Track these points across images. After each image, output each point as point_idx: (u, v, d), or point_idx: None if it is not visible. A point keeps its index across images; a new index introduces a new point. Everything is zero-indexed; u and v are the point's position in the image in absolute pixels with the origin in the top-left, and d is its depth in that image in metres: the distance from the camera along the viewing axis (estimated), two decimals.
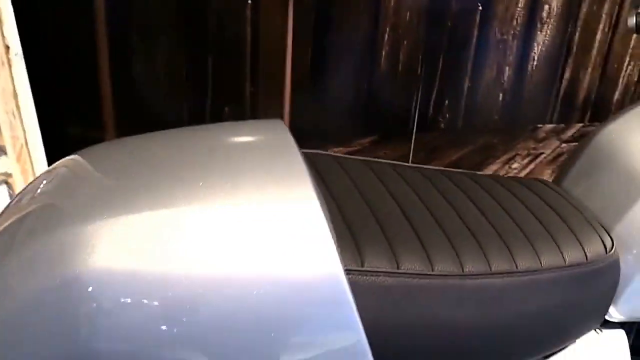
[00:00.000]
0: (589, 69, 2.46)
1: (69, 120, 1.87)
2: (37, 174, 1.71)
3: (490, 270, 0.63)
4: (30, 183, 0.65)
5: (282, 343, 0.52)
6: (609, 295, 0.76)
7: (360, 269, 0.56)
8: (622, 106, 2.64)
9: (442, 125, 2.30)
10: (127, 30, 1.82)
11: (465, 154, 2.26)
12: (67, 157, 0.66)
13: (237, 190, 0.53)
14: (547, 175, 2.22)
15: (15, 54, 1.58)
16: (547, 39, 2.34)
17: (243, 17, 1.88)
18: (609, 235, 0.76)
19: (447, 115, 2.29)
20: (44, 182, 0.62)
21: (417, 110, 2.17)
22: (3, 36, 1.55)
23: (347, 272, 0.53)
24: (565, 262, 0.69)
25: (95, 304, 0.49)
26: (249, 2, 1.87)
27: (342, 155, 0.78)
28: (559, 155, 2.55)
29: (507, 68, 2.31)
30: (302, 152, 0.59)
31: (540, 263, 0.67)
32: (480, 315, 0.63)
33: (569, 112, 2.52)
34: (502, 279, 0.64)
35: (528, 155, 2.40)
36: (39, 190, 0.60)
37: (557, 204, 0.78)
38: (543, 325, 0.70)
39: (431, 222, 0.66)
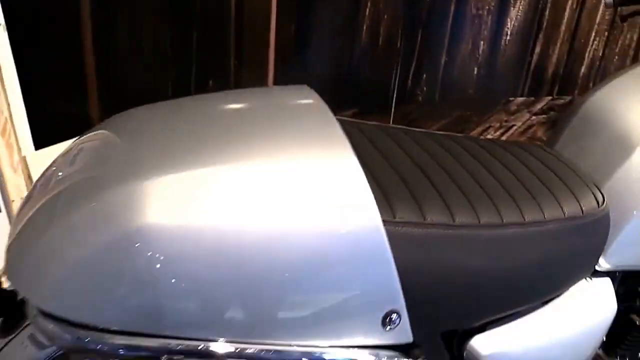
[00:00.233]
0: (558, 44, 2.55)
1: (52, 95, 1.85)
2: (22, 149, 1.70)
3: (502, 222, 0.69)
4: (69, 148, 0.67)
5: (326, 288, 0.57)
6: (600, 246, 0.84)
7: (392, 220, 0.61)
8: (588, 80, 2.76)
9: (420, 98, 2.37)
10: (111, 4, 1.80)
11: (442, 126, 2.33)
12: (104, 122, 0.68)
13: (283, 149, 0.57)
14: None
15: None
16: (520, 14, 2.42)
17: None
18: (600, 191, 0.83)
19: (425, 89, 2.36)
20: (86, 145, 0.64)
21: (396, 84, 2.22)
22: None
23: (383, 222, 0.58)
24: (564, 215, 0.76)
25: (150, 257, 0.52)
26: None
27: (359, 120, 0.82)
28: (530, 127, 2.65)
29: (481, 43, 2.38)
30: None
31: (544, 215, 0.74)
32: (494, 262, 0.69)
33: (539, 86, 2.62)
34: (512, 230, 0.70)
35: (500, 127, 2.50)
36: (83, 154, 0.62)
37: (553, 164, 0.85)
38: (544, 273, 0.77)
39: (447, 180, 0.72)
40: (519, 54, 2.50)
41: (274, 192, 0.55)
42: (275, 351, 0.58)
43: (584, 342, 0.87)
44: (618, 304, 0.88)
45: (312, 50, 2.10)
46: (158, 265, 0.52)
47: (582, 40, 2.61)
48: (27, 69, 1.66)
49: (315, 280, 0.56)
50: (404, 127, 0.83)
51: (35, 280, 0.54)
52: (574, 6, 2.50)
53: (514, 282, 0.73)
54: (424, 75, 2.32)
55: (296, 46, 2.07)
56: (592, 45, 2.64)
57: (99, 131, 0.67)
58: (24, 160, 1.70)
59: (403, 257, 0.59)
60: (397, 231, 0.60)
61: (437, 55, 2.31)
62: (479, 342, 0.76)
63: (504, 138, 2.44)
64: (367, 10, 2.11)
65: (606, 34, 2.64)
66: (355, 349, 0.61)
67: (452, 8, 2.27)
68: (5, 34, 1.57)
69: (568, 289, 0.85)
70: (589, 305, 0.86)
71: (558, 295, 0.83)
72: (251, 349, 0.57)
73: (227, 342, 0.56)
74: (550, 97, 2.68)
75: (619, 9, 1.11)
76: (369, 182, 0.64)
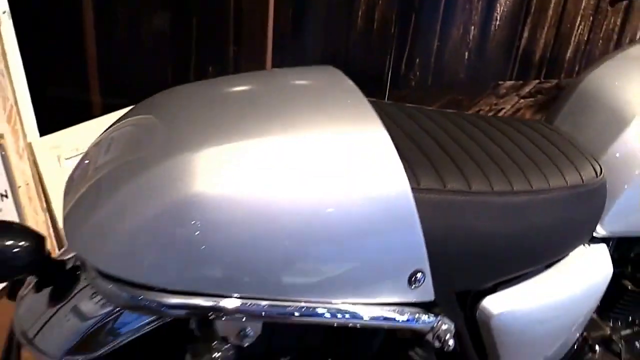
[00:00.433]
0: (545, 29, 2.62)
1: (54, 82, 1.87)
2: (28, 135, 1.72)
3: (513, 189, 0.75)
4: (111, 128, 0.71)
5: (360, 250, 0.62)
6: (598, 214, 0.90)
7: (417, 187, 0.66)
8: (574, 63, 2.84)
9: (413, 83, 2.42)
10: None
11: None
12: (152, 97, 0.72)
13: (320, 123, 0.63)
14: None
15: (4, 12, 1.57)
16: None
17: None
18: (597, 162, 0.90)
19: (418, 74, 2.41)
20: (128, 125, 0.68)
21: (390, 69, 2.27)
22: None
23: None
24: (567, 183, 0.82)
25: (200, 222, 0.57)
26: None
27: (374, 99, 0.88)
28: (518, 110, 2.73)
29: (472, 28, 2.44)
30: None
31: (549, 184, 0.80)
32: (505, 227, 0.75)
33: (527, 69, 2.69)
34: (521, 197, 0.76)
35: (490, 110, 2.57)
36: (126, 133, 0.67)
37: (554, 138, 0.91)
38: (549, 237, 0.83)
39: (461, 152, 0.78)
40: (508, 38, 2.56)
41: (314, 161, 0.60)
42: (313, 308, 0.63)
43: (583, 303, 0.94)
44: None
45: (309, 36, 2.14)
46: (208, 230, 0.57)
47: (569, 25, 2.68)
48: (30, 57, 1.68)
49: (350, 243, 0.61)
50: (418, 105, 0.89)
51: (95, 245, 0.59)
52: None
53: (522, 245, 0.79)
54: (417, 60, 2.38)
55: (293, 32, 2.11)
56: (577, 30, 2.72)
57: (137, 113, 0.71)
58: (29, 146, 1.72)
59: (426, 221, 0.65)
60: (421, 197, 0.65)
61: (429, 40, 2.37)
62: (490, 302, 0.82)
63: None
64: None
65: (591, 18, 2.72)
66: (384, 306, 0.67)
67: None
68: (10, 21, 1.59)
69: (569, 253, 0.91)
70: (587, 269, 0.93)
71: (560, 260, 0.90)
72: (291, 306, 0.62)
73: (269, 300, 0.62)
74: (537, 81, 2.75)
75: None
76: None
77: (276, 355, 0.83)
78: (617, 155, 0.92)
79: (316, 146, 0.61)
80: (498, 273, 0.80)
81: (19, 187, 1.72)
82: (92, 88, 1.91)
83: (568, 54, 2.76)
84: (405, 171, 0.66)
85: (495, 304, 0.82)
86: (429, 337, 0.73)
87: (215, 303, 0.59)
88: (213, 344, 0.59)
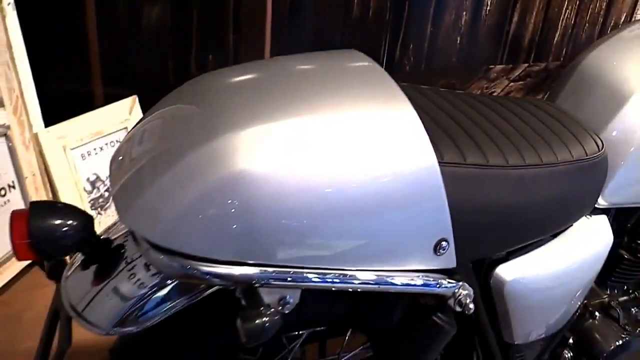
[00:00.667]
0: (534, 13, 2.68)
1: (56, 73, 1.89)
2: (33, 126, 1.74)
3: (525, 163, 0.81)
4: (158, 104, 0.74)
5: (393, 221, 0.67)
6: (600, 186, 0.96)
7: (442, 161, 0.71)
8: (561, 47, 2.91)
9: (407, 68, 2.47)
10: None
11: None
12: (185, 84, 0.76)
13: (354, 102, 0.67)
14: None
15: (8, 4, 1.58)
16: None
17: None
18: (599, 137, 0.96)
19: (412, 58, 2.46)
20: (177, 103, 0.72)
21: (385, 54, 2.32)
22: None
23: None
24: (572, 157, 0.88)
25: (249, 196, 0.61)
26: None
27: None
28: (508, 93, 2.79)
29: (464, 13, 2.49)
30: None
31: (556, 157, 0.85)
32: (519, 198, 0.81)
33: (516, 54, 2.75)
34: (532, 170, 0.82)
35: (482, 94, 2.63)
36: (169, 116, 0.70)
37: (558, 116, 0.97)
38: (557, 208, 0.89)
39: (477, 129, 0.83)
40: (498, 23, 2.62)
41: (349, 138, 0.65)
42: (350, 276, 0.68)
43: (587, 271, 1.00)
44: None
45: (306, 24, 2.18)
46: (252, 204, 0.61)
47: (556, 9, 2.74)
48: (33, 49, 1.69)
49: (385, 214, 0.66)
50: (432, 87, 0.93)
51: (148, 221, 0.63)
52: None
53: (534, 215, 0.85)
54: (411, 46, 2.43)
55: (291, 20, 2.14)
56: (565, 14, 2.78)
57: (174, 99, 0.74)
58: (35, 137, 1.74)
59: (450, 192, 0.70)
60: (446, 171, 0.70)
61: (423, 26, 2.41)
62: (503, 270, 0.88)
63: None
64: None
65: (577, 2, 2.79)
66: (412, 273, 0.72)
67: None
68: (14, 13, 1.60)
69: (573, 223, 0.97)
70: (590, 238, 0.99)
71: (565, 230, 0.96)
72: (329, 274, 0.67)
73: (308, 268, 0.66)
74: (526, 64, 2.81)
75: None
76: None
77: (305, 323, 0.88)
78: (617, 130, 0.98)
79: (351, 124, 0.66)
80: (511, 242, 0.86)
81: (26, 177, 1.74)
82: (94, 78, 1.93)
83: (556, 38, 2.83)
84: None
85: (508, 271, 0.88)
86: (451, 302, 0.78)
87: (259, 272, 0.64)
88: (261, 310, 0.64)
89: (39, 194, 1.78)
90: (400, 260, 0.71)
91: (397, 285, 0.70)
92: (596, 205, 1.00)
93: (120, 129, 1.93)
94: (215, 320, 0.75)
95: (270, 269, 0.64)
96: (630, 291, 1.25)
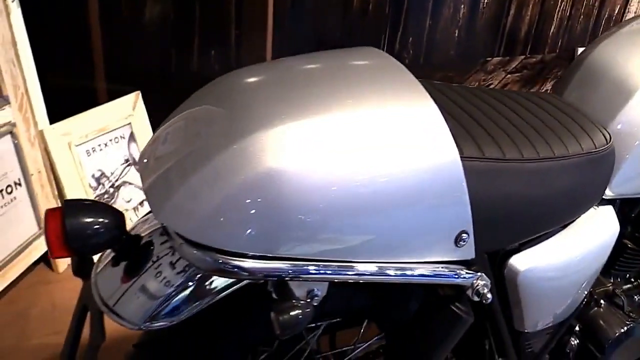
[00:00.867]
0: (530, 6, 2.71)
1: (59, 70, 1.89)
2: (39, 124, 1.74)
3: (539, 156, 0.83)
4: (187, 102, 0.76)
5: (417, 213, 0.69)
6: (608, 177, 0.99)
7: (462, 155, 0.73)
8: (556, 39, 2.94)
9: (407, 61, 2.49)
10: None
11: None
12: (213, 81, 0.77)
13: (379, 98, 0.69)
14: None
15: (13, 1, 1.58)
16: None
17: None
18: (606, 130, 0.98)
19: (411, 52, 2.48)
20: (205, 99, 0.73)
21: (385, 48, 2.33)
22: None
23: None
24: (582, 150, 0.90)
25: (279, 193, 0.63)
26: None
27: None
28: (505, 85, 2.82)
29: (462, 6, 2.51)
30: None
31: (568, 150, 0.88)
32: (533, 190, 0.83)
33: (513, 46, 2.78)
34: (546, 163, 0.84)
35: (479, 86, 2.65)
36: (209, 104, 0.72)
37: (565, 109, 0.99)
38: (568, 200, 0.92)
39: (492, 124, 0.85)
40: (496, 16, 2.64)
41: (375, 134, 0.67)
42: (377, 268, 0.70)
43: (595, 260, 1.03)
44: None
45: (307, 17, 2.19)
46: (283, 201, 0.63)
47: (552, 2, 2.77)
48: (37, 46, 1.70)
49: (410, 208, 0.68)
50: (444, 82, 0.95)
51: (182, 215, 0.64)
52: None
53: (546, 207, 0.88)
54: (410, 39, 2.44)
55: (293, 14, 2.15)
56: (560, 6, 2.81)
57: (201, 97, 0.76)
58: (40, 134, 1.74)
59: (470, 186, 0.72)
60: (466, 165, 0.73)
61: (421, 19, 2.43)
62: (517, 261, 0.91)
63: None
64: None
65: None
66: (432, 265, 0.75)
67: None
68: (19, 10, 1.60)
69: (580, 215, 1.00)
70: (598, 229, 1.02)
71: (574, 220, 0.99)
72: (356, 266, 0.69)
73: (337, 262, 0.68)
74: (523, 57, 2.84)
75: None
76: None
77: (326, 315, 0.90)
78: (622, 123, 1.00)
79: (377, 120, 0.68)
80: (526, 233, 0.88)
81: (32, 175, 1.75)
82: (97, 75, 1.93)
83: (551, 30, 2.86)
84: None
85: (522, 262, 0.91)
86: (469, 292, 0.81)
87: (289, 266, 0.66)
88: (293, 302, 0.66)
89: (45, 191, 1.79)
90: (423, 252, 0.73)
91: (420, 276, 0.73)
92: (603, 197, 1.02)
93: (124, 125, 1.93)
94: (237, 316, 0.77)
95: (300, 263, 0.66)
96: (633, 279, 1.28)
